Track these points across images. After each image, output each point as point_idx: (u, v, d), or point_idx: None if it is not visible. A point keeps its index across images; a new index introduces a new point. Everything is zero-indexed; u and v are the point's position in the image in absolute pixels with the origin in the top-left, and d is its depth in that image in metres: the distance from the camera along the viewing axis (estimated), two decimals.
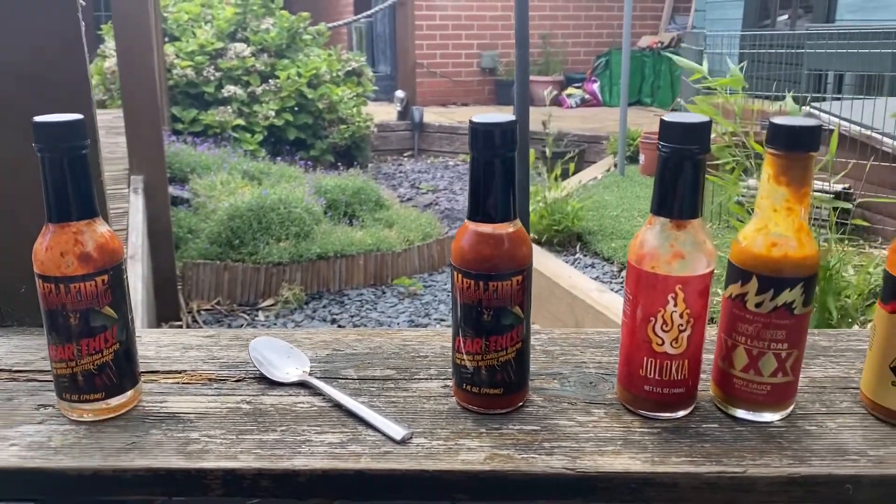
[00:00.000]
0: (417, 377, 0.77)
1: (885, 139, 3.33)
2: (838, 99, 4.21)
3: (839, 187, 3.37)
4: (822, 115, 3.73)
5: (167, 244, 3.54)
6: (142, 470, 0.62)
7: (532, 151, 4.38)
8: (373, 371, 0.78)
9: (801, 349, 0.67)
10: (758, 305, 0.65)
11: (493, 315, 0.67)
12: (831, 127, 3.80)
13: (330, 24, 6.98)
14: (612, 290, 3.31)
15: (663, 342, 0.66)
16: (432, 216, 4.97)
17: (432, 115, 7.95)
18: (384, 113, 7.92)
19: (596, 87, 8.73)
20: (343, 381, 0.76)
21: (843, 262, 2.32)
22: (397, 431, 0.66)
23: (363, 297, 3.86)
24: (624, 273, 3.64)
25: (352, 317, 3.62)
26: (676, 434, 0.67)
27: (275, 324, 3.54)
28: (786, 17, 7.72)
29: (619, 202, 4.25)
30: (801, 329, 0.66)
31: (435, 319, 3.68)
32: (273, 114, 5.96)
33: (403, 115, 7.68)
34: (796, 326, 0.66)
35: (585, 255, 3.76)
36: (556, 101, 8.80)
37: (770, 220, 0.65)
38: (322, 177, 4.90)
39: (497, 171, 0.65)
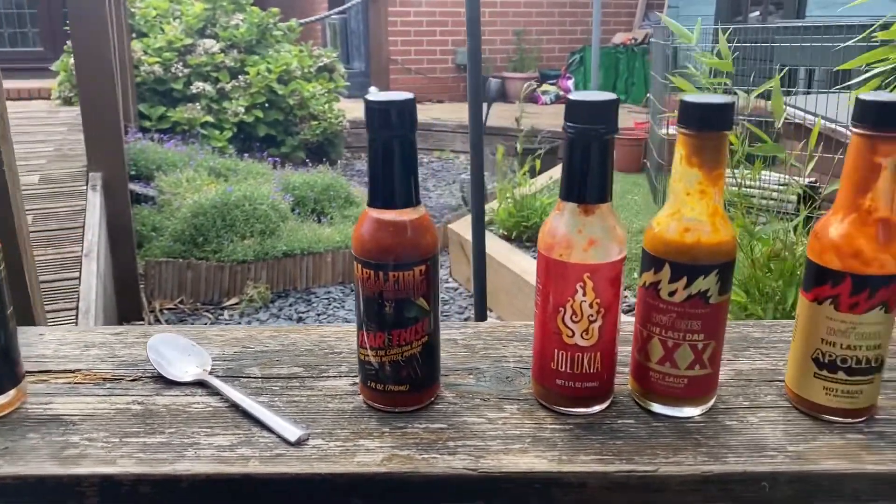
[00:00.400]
0: (326, 375, 0.73)
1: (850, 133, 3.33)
2: (808, 93, 4.21)
3: (806, 181, 3.37)
4: (789, 109, 3.73)
5: (128, 242, 3.46)
6: (8, 478, 0.57)
7: (500, 148, 4.35)
8: (279, 369, 0.74)
9: (720, 340, 0.64)
10: (671, 294, 0.62)
11: (395, 308, 0.63)
12: (797, 121, 3.81)
13: (301, 20, 6.90)
14: None
15: (574, 333, 0.63)
16: None
17: None
18: (358, 109, 7.77)
19: (570, 83, 8.71)
20: (246, 379, 0.72)
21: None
22: (292, 432, 0.62)
23: (331, 295, 3.81)
24: None
25: (318, 315, 3.57)
26: (589, 431, 0.63)
27: (239, 323, 3.48)
28: (757, 13, 7.76)
29: None
30: (717, 319, 0.63)
31: None
32: (242, 110, 5.87)
33: None
34: (712, 316, 0.62)
35: None
36: (532, 98, 8.79)
37: (683, 204, 0.62)
38: (290, 173, 4.83)
39: (396, 152, 0.61)
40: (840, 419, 0.64)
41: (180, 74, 5.85)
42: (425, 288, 0.63)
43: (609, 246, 0.61)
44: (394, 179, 0.62)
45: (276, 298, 3.74)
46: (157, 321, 3.47)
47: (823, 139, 3.55)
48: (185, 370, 0.71)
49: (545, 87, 8.83)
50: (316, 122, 6.10)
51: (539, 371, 0.66)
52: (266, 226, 3.82)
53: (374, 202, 0.62)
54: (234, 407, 0.67)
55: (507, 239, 3.86)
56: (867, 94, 0.59)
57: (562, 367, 0.64)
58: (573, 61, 8.84)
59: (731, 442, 0.62)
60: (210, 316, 3.55)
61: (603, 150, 0.60)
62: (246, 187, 4.01)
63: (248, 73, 6.01)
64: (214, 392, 0.69)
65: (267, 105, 6.09)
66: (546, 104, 8.59)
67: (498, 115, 7.19)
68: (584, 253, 0.61)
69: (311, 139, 6.13)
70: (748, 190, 2.95)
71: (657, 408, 0.66)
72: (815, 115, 3.50)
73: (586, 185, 0.61)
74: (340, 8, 7.14)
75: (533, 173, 5.26)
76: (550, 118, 7.52)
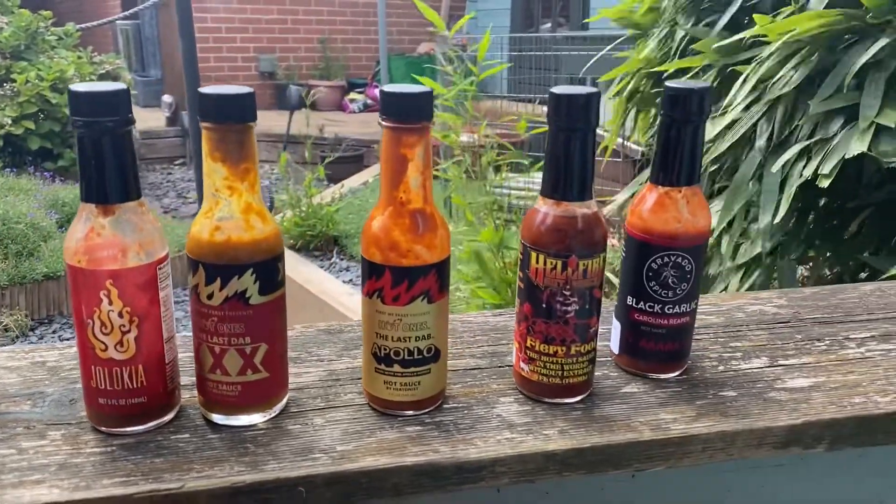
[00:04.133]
0: None
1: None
2: None
3: None
4: None
5: None
6: None
7: (283, 156, 4.26)
8: None
9: (274, 342, 0.61)
10: (210, 297, 0.59)
11: None
12: None
13: (80, 25, 6.39)
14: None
15: (107, 347, 0.58)
16: None
17: None
18: (154, 119, 7.44)
19: (378, 92, 8.77)
20: None
21: None
22: None
23: None
24: None
25: None
26: (131, 451, 0.58)
27: None
28: (548, 25, 8.22)
29: None
30: (265, 320, 0.60)
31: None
32: (10, 121, 5.34)
33: (173, 120, 7.23)
34: (257, 317, 0.59)
35: (342, 259, 3.70)
36: (340, 106, 8.75)
37: (214, 202, 0.58)
38: (60, 189, 4.44)
39: None
40: (403, 412, 0.64)
41: None
42: None
43: (138, 248, 0.57)
44: None
45: (37, 326, 3.41)
46: None
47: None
48: None
49: (353, 95, 8.82)
50: None
51: (84, 391, 0.60)
52: (23, 246, 3.47)
53: None
54: None
55: (294, 249, 3.78)
56: (389, 87, 0.58)
57: (101, 385, 0.59)
58: (379, 70, 8.89)
59: (280, 448, 0.59)
60: None
61: (117, 144, 0.55)
62: None
63: (15, 81, 5.48)
64: None
65: (41, 115, 5.59)
66: (354, 112, 8.58)
67: (303, 123, 7.10)
68: (105, 258, 0.56)
69: None
70: (514, 192, 3.08)
71: (218, 418, 0.62)
72: None
73: (103, 183, 0.56)
74: (125, 13, 6.70)
75: (334, 181, 5.22)
76: (357, 126, 7.51)
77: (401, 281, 0.60)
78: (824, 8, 1.25)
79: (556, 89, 0.60)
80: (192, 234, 0.59)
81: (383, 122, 0.59)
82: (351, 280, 3.48)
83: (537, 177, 3.40)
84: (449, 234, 0.63)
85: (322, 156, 5.43)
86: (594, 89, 0.60)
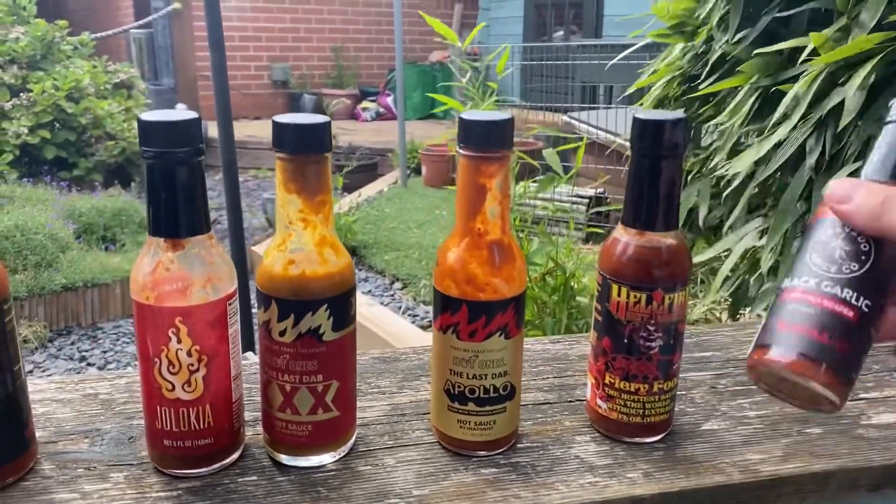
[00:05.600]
0: None
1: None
2: (594, 108, 4.47)
3: (592, 192, 3.55)
4: (577, 123, 3.92)
5: None
6: None
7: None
8: None
9: (346, 380, 0.59)
10: (282, 334, 0.56)
11: None
12: (586, 136, 4.02)
13: (95, 35, 6.41)
14: (381, 303, 3.24)
15: (174, 387, 0.55)
16: None
17: None
18: None
19: (390, 100, 8.77)
20: None
21: (581, 265, 2.37)
22: None
23: (120, 329, 3.51)
24: (395, 285, 3.61)
25: (104, 352, 3.27)
26: (199, 496, 0.56)
27: None
28: (561, 33, 8.21)
29: (397, 214, 4.22)
30: (338, 357, 0.57)
31: None
32: (26, 131, 5.34)
33: None
34: (330, 355, 0.57)
35: (360, 270, 3.67)
36: (352, 115, 8.75)
37: (287, 234, 0.56)
38: (77, 198, 4.43)
39: None
40: (476, 452, 0.61)
41: None
42: None
43: (207, 284, 0.54)
44: None
45: (55, 337, 3.40)
46: None
47: (606, 151, 3.77)
48: None
49: (365, 103, 8.82)
50: (113, 142, 5.67)
51: (149, 431, 0.58)
52: (42, 257, 3.46)
53: None
54: None
55: None
56: (468, 114, 0.56)
57: (167, 426, 0.56)
58: (391, 78, 8.89)
59: (355, 492, 0.56)
60: None
61: (188, 176, 0.53)
62: (18, 216, 3.62)
63: (31, 91, 5.49)
64: None
65: (56, 125, 5.59)
66: (367, 121, 8.58)
67: None
68: (174, 294, 0.54)
69: (108, 160, 5.69)
70: (537, 203, 3.05)
71: (285, 459, 0.59)
72: (598, 128, 3.70)
73: (173, 216, 0.53)
74: (137, 22, 6.71)
75: (350, 190, 5.20)
76: (370, 135, 7.51)
77: (478, 316, 0.57)
78: (875, 25, 1.21)
79: (641, 114, 0.58)
80: (264, 268, 0.56)
81: (462, 151, 0.56)
82: (370, 291, 3.45)
83: (560, 190, 3.37)
84: (526, 265, 0.60)
85: (337, 164, 5.43)
86: (681, 114, 0.58)
